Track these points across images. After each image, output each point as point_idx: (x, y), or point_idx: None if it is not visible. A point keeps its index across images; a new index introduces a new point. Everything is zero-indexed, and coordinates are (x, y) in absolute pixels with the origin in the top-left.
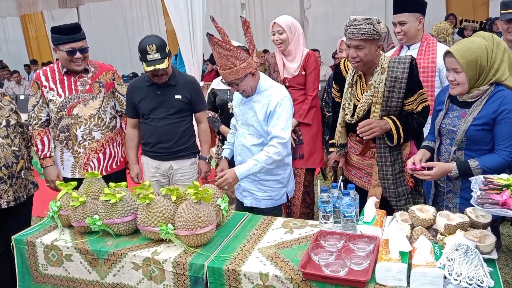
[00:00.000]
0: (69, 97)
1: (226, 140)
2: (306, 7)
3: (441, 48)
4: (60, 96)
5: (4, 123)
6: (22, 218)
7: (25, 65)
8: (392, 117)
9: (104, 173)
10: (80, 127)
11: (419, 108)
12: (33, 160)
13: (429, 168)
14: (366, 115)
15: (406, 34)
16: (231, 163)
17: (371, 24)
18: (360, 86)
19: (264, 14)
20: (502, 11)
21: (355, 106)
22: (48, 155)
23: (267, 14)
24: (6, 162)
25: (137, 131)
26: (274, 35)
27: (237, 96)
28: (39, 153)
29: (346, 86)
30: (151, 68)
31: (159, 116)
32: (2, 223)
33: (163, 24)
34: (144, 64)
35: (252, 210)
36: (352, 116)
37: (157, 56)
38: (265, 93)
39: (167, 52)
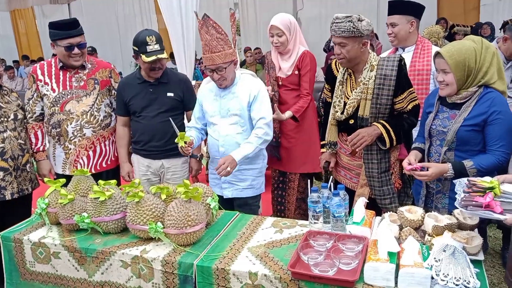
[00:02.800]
0: (63, 92)
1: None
2: (299, 8)
3: (436, 50)
4: (54, 91)
5: (12, 116)
6: (20, 214)
7: (14, 61)
8: (381, 121)
9: (93, 171)
10: (71, 123)
11: (410, 107)
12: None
13: (425, 169)
14: (356, 111)
15: (396, 36)
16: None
17: (351, 22)
18: (350, 84)
19: (257, 14)
20: None
21: (345, 104)
22: (41, 149)
23: (260, 14)
24: (13, 154)
25: (127, 129)
26: (272, 37)
27: (207, 93)
28: (33, 146)
29: (337, 84)
30: (153, 58)
31: (151, 114)
32: (0, 216)
33: (156, 22)
34: (144, 55)
35: (231, 202)
36: (342, 113)
37: (157, 47)
38: (243, 83)
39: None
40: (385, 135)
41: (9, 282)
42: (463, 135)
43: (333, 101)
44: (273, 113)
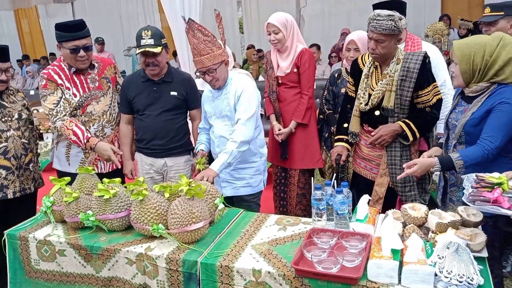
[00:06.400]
0: (84, 96)
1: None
2: (302, 5)
3: (426, 46)
4: (75, 96)
5: (16, 116)
6: (24, 213)
7: (18, 60)
8: (404, 119)
9: (110, 170)
10: (93, 125)
11: (434, 100)
12: (40, 158)
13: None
14: (380, 102)
15: None
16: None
17: (392, 21)
18: (376, 77)
19: (259, 12)
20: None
21: (369, 96)
22: (89, 135)
23: (262, 12)
24: (16, 153)
25: (131, 127)
26: (270, 34)
27: (207, 94)
28: (81, 138)
29: (363, 77)
30: (141, 50)
31: (154, 113)
32: (4, 216)
33: (159, 21)
34: (137, 49)
35: (232, 200)
36: (367, 104)
37: (150, 41)
38: (233, 82)
39: (163, 42)
40: (407, 131)
41: (12, 282)
42: (469, 130)
43: (357, 93)
44: (277, 130)
